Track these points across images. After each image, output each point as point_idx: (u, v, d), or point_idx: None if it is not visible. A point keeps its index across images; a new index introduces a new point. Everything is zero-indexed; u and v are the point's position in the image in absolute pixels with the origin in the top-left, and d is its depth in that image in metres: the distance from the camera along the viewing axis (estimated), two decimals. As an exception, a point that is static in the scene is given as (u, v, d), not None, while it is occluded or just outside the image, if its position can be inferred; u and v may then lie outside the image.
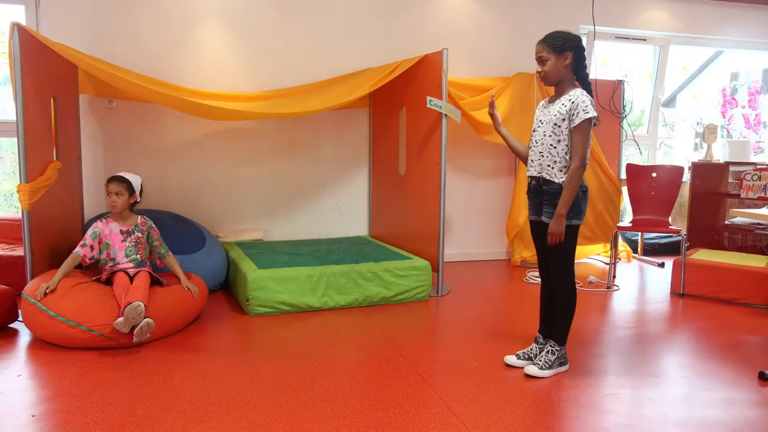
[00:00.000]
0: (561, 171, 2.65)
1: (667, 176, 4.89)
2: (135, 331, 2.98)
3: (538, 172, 2.73)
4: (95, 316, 3.00)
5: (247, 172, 4.91)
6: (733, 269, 4.12)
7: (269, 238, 5.02)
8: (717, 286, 4.16)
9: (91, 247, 3.32)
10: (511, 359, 2.90)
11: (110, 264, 3.34)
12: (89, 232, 3.35)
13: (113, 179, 3.39)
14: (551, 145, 2.66)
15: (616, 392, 2.61)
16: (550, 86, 2.76)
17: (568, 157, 2.65)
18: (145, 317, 2.99)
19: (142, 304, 2.96)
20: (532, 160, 2.78)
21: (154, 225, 3.55)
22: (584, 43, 5.71)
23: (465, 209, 5.50)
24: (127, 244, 3.37)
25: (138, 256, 3.39)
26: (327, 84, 4.70)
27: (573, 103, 2.61)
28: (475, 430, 2.23)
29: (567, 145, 2.64)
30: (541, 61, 2.69)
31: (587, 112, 2.58)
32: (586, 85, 2.72)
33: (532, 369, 2.76)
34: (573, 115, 2.60)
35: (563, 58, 2.64)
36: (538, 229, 2.84)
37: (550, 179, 2.67)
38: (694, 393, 2.62)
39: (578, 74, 2.72)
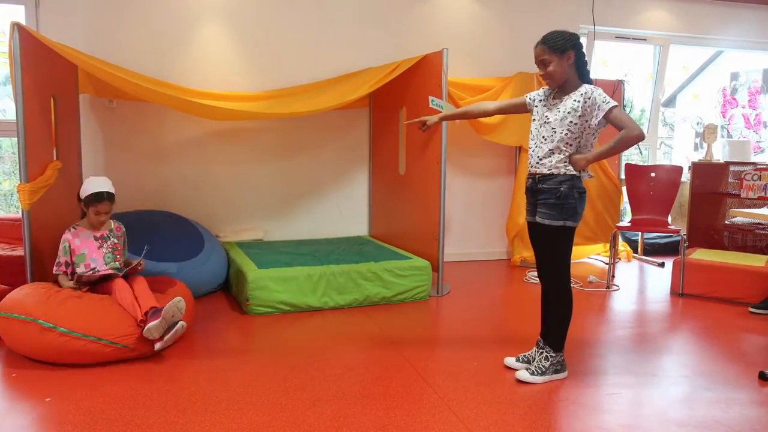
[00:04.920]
0: (565, 163, 2.60)
1: (666, 176, 4.89)
2: (166, 337, 2.85)
3: (536, 169, 2.66)
4: (113, 327, 2.82)
5: (247, 172, 4.91)
6: (733, 269, 4.12)
7: (269, 238, 5.02)
8: (716, 286, 4.16)
9: (66, 263, 3.16)
10: (510, 361, 2.88)
11: (90, 272, 3.15)
12: (60, 247, 3.17)
13: (105, 199, 3.16)
14: (567, 143, 2.59)
15: (616, 392, 2.61)
16: (555, 87, 2.68)
17: (575, 150, 2.62)
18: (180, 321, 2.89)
19: (183, 300, 2.87)
20: (531, 155, 2.71)
21: (125, 231, 3.41)
22: (584, 42, 5.74)
23: (465, 209, 5.50)
24: (104, 251, 3.22)
25: (117, 263, 3.27)
26: (327, 84, 4.70)
27: (590, 98, 2.55)
28: (475, 430, 2.23)
29: (577, 139, 2.60)
30: (543, 63, 2.60)
31: (608, 102, 2.53)
32: (588, 81, 2.65)
33: (523, 374, 2.71)
34: (593, 110, 2.54)
35: (566, 57, 2.58)
36: (533, 230, 2.77)
37: (552, 173, 2.60)
38: (694, 393, 2.62)
39: (580, 71, 2.65)
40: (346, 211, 5.24)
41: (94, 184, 3.18)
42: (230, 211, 4.91)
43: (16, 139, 3.27)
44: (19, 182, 3.29)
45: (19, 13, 4.31)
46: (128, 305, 2.92)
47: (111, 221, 3.32)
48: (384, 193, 5.01)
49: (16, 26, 3.19)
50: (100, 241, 3.22)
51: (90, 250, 3.18)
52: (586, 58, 2.67)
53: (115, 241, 3.28)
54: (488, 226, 5.57)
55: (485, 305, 4.01)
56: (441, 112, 3.99)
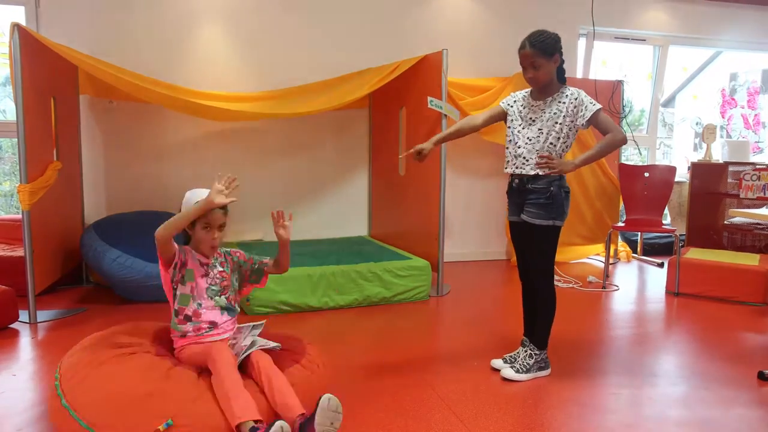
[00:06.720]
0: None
1: (660, 176, 4.91)
2: None
3: (521, 170, 2.64)
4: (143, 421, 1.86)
5: (247, 173, 4.91)
6: (727, 268, 4.13)
7: (269, 238, 5.02)
8: (711, 285, 4.17)
9: (180, 254, 2.28)
10: (497, 363, 2.87)
11: (193, 309, 2.23)
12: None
13: (221, 207, 2.33)
14: (551, 143, 2.60)
15: (615, 392, 2.62)
16: (538, 88, 2.68)
17: (563, 153, 2.64)
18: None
19: (338, 402, 1.96)
20: (515, 157, 2.68)
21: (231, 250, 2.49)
22: (583, 42, 5.74)
23: (465, 209, 5.51)
24: (207, 282, 2.30)
25: (223, 297, 2.33)
26: (327, 84, 4.70)
27: (577, 99, 2.58)
28: (475, 430, 2.24)
29: (564, 143, 2.62)
30: (532, 66, 2.61)
31: (595, 104, 2.58)
32: (563, 82, 2.68)
33: (508, 372, 2.72)
34: (581, 110, 2.57)
35: (554, 60, 2.60)
36: (518, 230, 2.77)
37: (539, 175, 2.60)
38: (693, 393, 2.62)
39: (559, 72, 2.67)
40: (346, 211, 5.24)
41: (196, 192, 2.44)
42: (230, 211, 4.90)
43: (16, 139, 3.28)
44: (19, 183, 3.30)
45: (19, 14, 4.31)
46: (233, 396, 1.93)
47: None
48: (384, 194, 5.02)
49: (16, 27, 3.19)
50: (204, 268, 2.32)
51: (195, 273, 2.29)
52: (563, 57, 2.66)
53: (221, 269, 2.35)
54: (488, 227, 5.57)
55: (485, 305, 4.01)
56: (440, 112, 4.01)
